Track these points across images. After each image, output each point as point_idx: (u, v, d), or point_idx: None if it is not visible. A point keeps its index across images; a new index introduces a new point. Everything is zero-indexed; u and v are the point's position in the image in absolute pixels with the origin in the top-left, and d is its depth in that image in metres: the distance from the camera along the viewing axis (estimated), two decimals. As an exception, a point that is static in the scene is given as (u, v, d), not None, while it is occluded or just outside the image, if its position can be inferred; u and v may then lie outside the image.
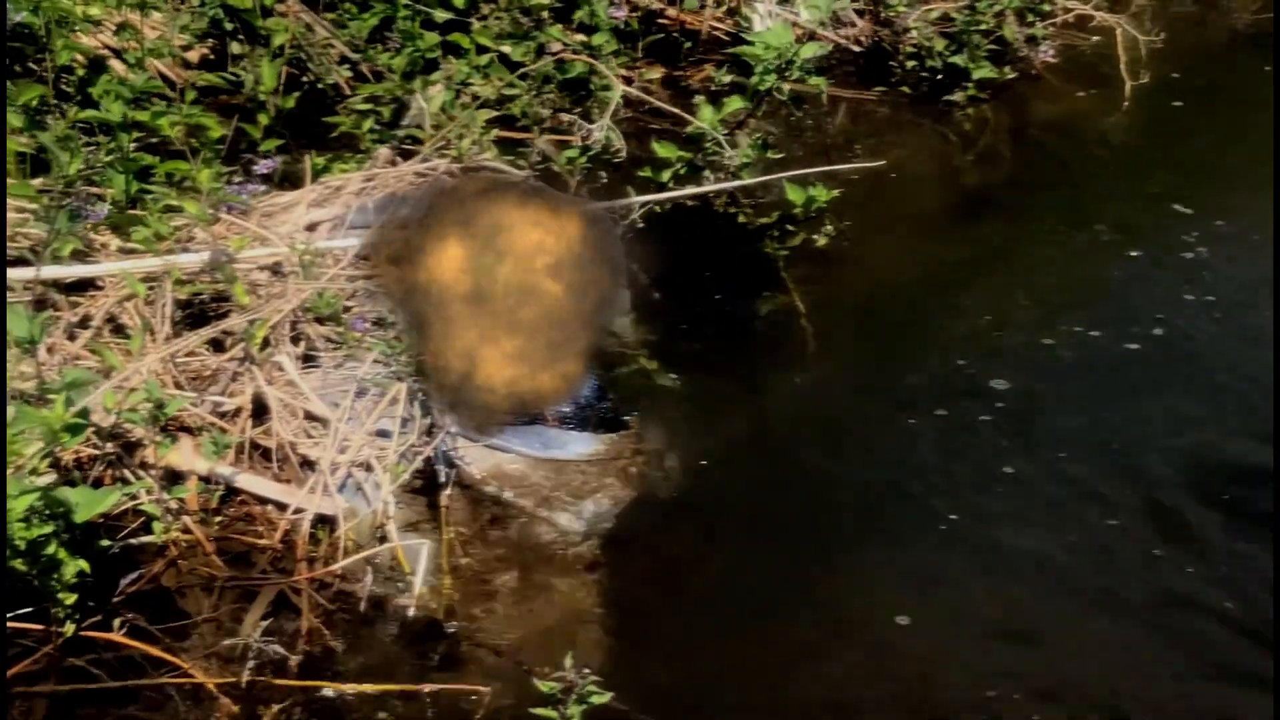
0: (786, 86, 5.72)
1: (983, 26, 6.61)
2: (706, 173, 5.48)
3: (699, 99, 5.58)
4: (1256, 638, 3.79)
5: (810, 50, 5.43)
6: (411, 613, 3.82)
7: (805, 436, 4.55)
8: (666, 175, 5.41)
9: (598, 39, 5.96)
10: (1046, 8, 7.02)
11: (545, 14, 6.11)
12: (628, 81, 6.34)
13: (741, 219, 5.53)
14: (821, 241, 5.43)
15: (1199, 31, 7.71)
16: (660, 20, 6.80)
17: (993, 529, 4.13)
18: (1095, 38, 7.12)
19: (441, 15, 5.88)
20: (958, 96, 6.52)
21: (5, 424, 3.64)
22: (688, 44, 6.70)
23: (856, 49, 6.93)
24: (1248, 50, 7.44)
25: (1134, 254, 5.45)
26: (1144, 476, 4.34)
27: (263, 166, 5.02)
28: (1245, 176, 5.99)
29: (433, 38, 5.72)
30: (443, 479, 4.13)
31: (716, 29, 6.82)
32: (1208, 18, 7.86)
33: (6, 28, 4.87)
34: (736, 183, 5.37)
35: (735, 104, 5.39)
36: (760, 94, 5.45)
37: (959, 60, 6.49)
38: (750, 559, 4.06)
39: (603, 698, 3.31)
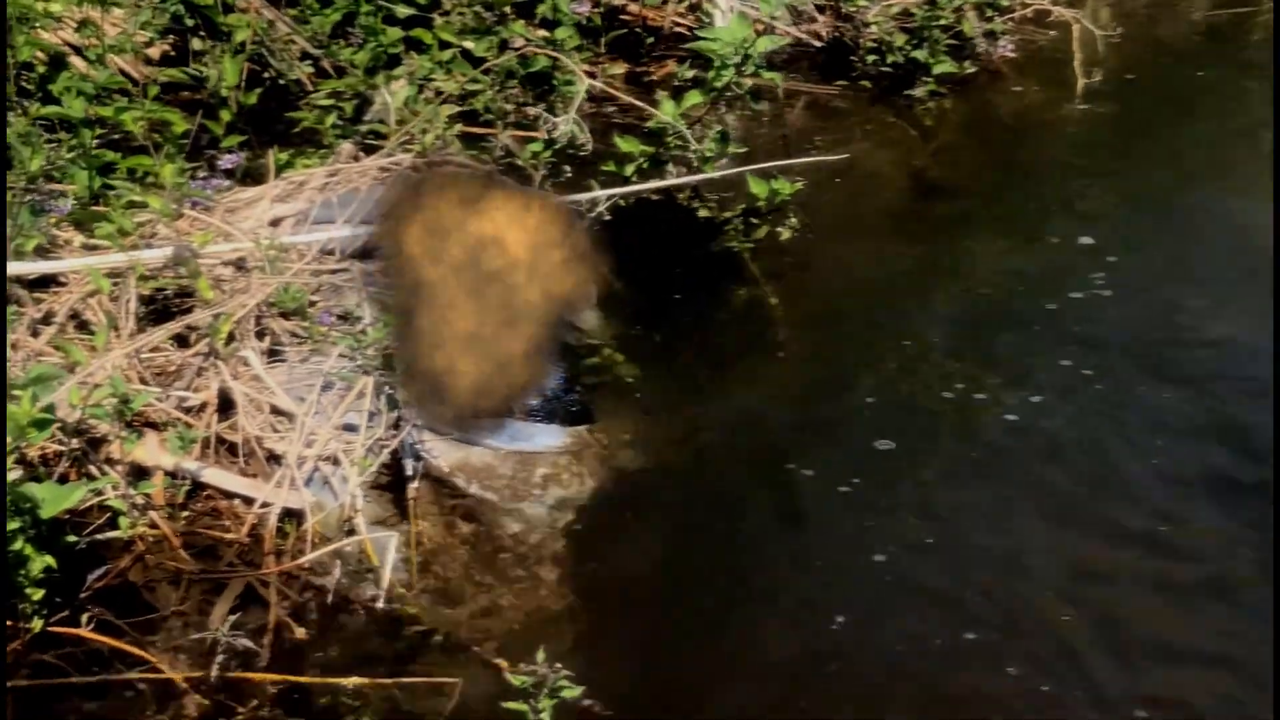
0: (747, 81, 5.77)
1: (942, 21, 6.65)
2: (669, 167, 5.50)
3: (661, 93, 5.60)
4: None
5: (766, 44, 5.45)
6: (380, 605, 3.82)
7: (770, 429, 4.56)
8: (630, 169, 5.43)
9: (561, 33, 5.98)
10: (1005, 3, 7.07)
11: (508, 9, 6.12)
12: (591, 77, 6.37)
13: (705, 213, 5.56)
14: (785, 235, 5.46)
15: (1153, 26, 7.77)
16: (623, 16, 6.83)
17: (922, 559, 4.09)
18: (1053, 32, 7.18)
19: (404, 11, 5.89)
20: (918, 91, 6.57)
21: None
22: (650, 39, 6.72)
23: (818, 44, 6.96)
24: (1200, 46, 7.51)
25: (1044, 302, 5.17)
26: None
27: (226, 162, 5.01)
28: (1166, 192, 5.98)
29: (395, 33, 5.72)
30: (410, 472, 4.14)
31: (679, 24, 6.84)
32: (1162, 13, 7.92)
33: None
34: (699, 176, 5.40)
35: (695, 98, 5.42)
36: (719, 89, 5.46)
37: (919, 55, 6.54)
38: (717, 551, 4.07)
39: (574, 692, 3.33)
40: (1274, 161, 5.75)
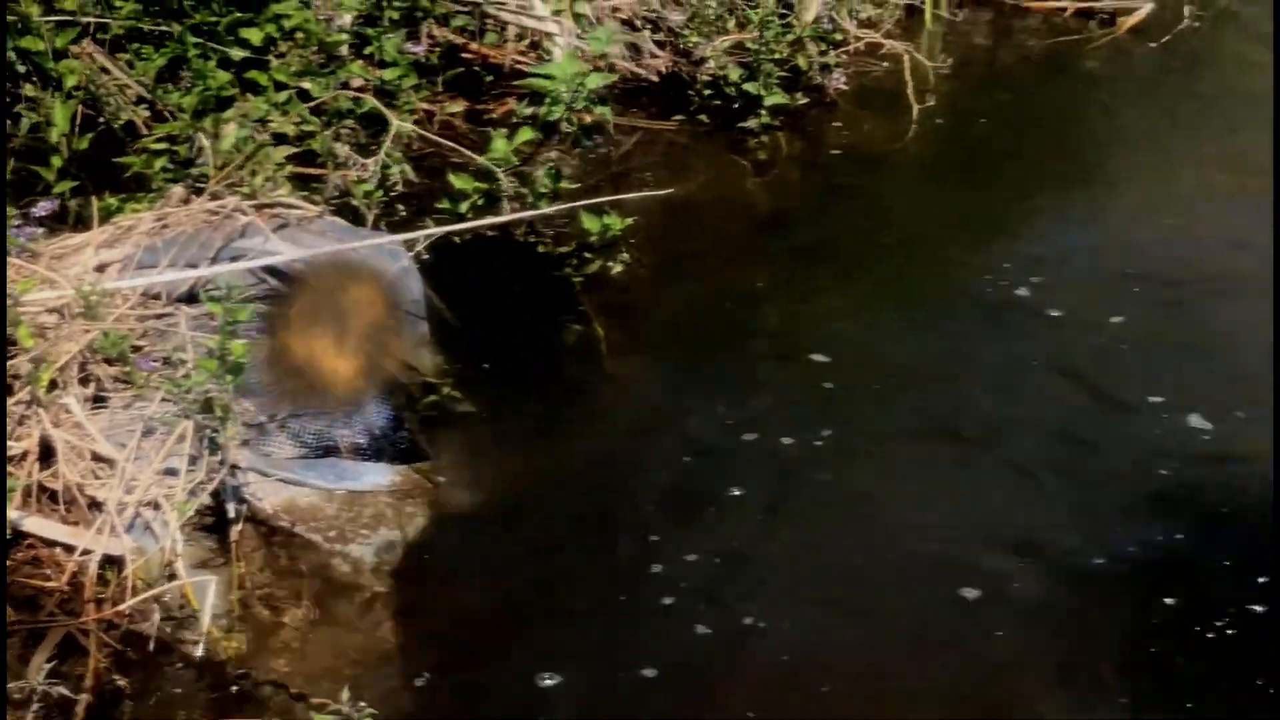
0: (588, 117, 5.90)
1: (776, 55, 6.78)
2: (504, 203, 5.56)
3: (496, 131, 5.67)
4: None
5: (596, 81, 5.55)
6: (200, 651, 3.83)
7: (600, 466, 4.63)
8: (465, 206, 5.49)
9: (389, 74, 6.02)
10: (839, 36, 7.24)
11: (345, 50, 6.16)
12: (429, 115, 6.44)
13: (541, 248, 5.63)
14: (617, 269, 5.55)
15: (988, 57, 8.00)
16: (463, 54, 6.88)
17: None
18: (886, 64, 7.35)
19: (238, 53, 5.89)
20: (751, 123, 6.69)
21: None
22: (490, 77, 6.78)
23: (656, 80, 7.07)
24: (1034, 76, 7.74)
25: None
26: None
27: (41, 209, 4.98)
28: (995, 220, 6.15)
29: (224, 76, 5.72)
30: (232, 515, 4.15)
31: (519, 62, 6.89)
32: (1000, 45, 8.14)
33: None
34: (532, 212, 5.47)
35: (526, 135, 5.50)
36: (552, 125, 5.55)
37: (751, 88, 6.66)
38: (543, 590, 4.12)
39: (379, 730, 3.38)
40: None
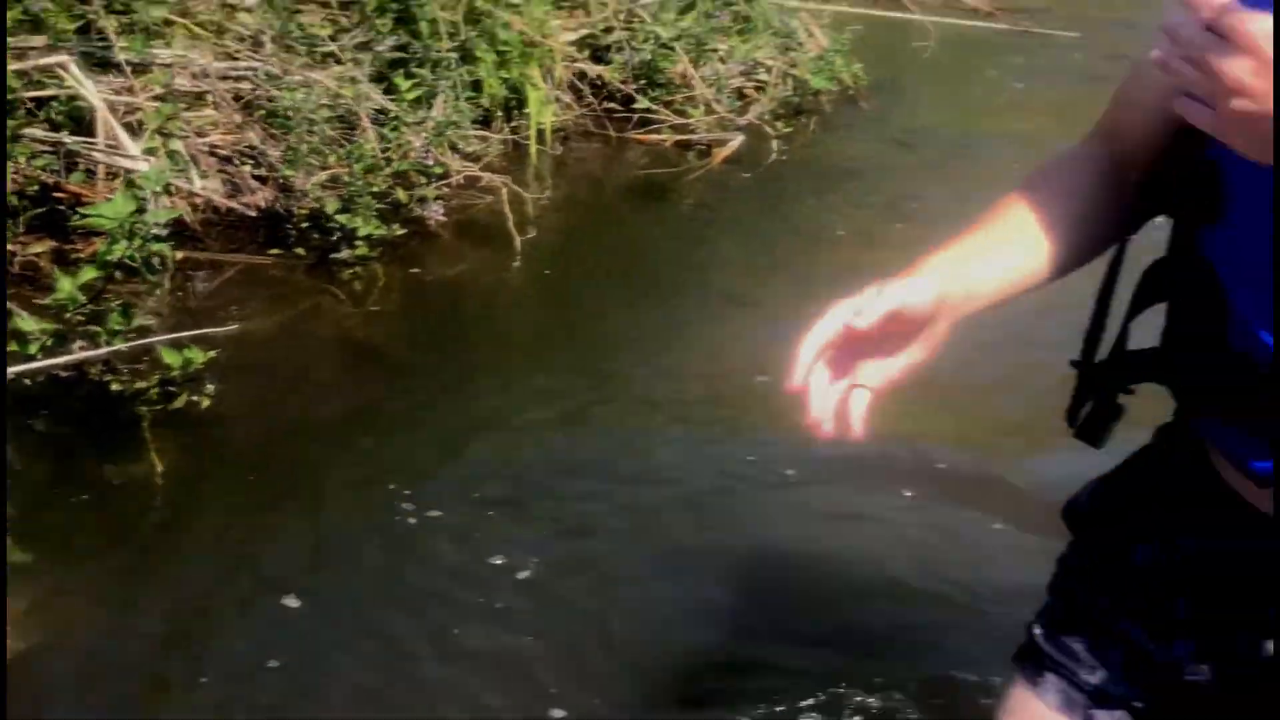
0: (172, 254, 5.86)
1: (375, 188, 6.87)
2: (76, 343, 5.44)
3: (58, 271, 5.56)
4: None
5: (155, 218, 5.53)
6: None
7: (152, 616, 4.46)
8: (34, 348, 5.34)
9: (-57, 217, 5.87)
10: (439, 170, 7.38)
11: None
12: (10, 256, 6.27)
13: (117, 386, 5.48)
14: (205, 403, 5.48)
15: (596, 189, 8.29)
16: (56, 194, 6.72)
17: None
18: (489, 197, 7.50)
19: None
20: (345, 254, 6.73)
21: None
22: (76, 216, 6.63)
23: (255, 214, 7.05)
24: (635, 206, 8.07)
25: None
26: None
27: None
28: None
29: None
30: None
31: (111, 199, 6.78)
32: (605, 176, 8.44)
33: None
34: (104, 350, 5.36)
35: (89, 274, 5.42)
36: (113, 263, 5.48)
37: (344, 220, 6.71)
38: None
39: None
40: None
